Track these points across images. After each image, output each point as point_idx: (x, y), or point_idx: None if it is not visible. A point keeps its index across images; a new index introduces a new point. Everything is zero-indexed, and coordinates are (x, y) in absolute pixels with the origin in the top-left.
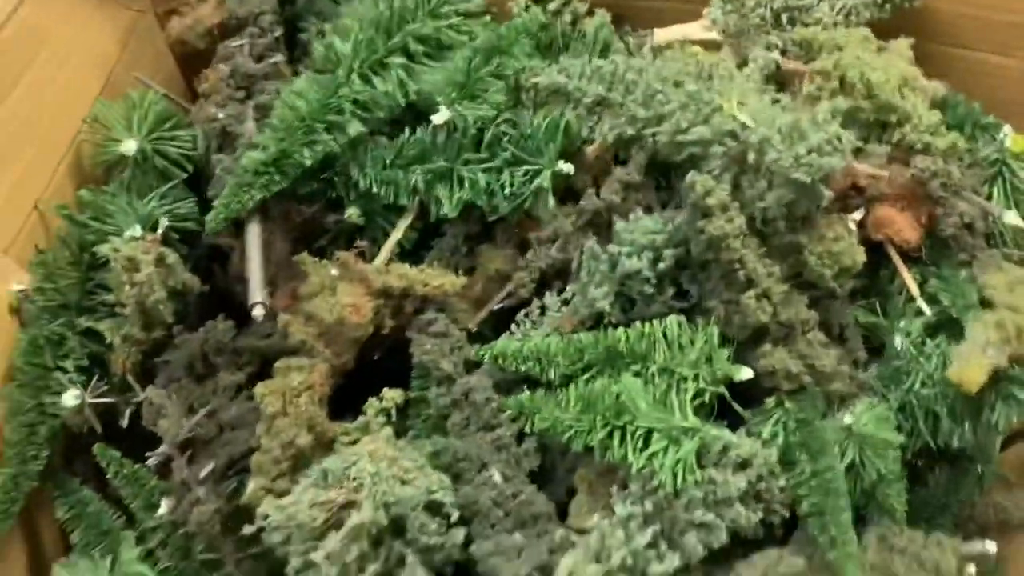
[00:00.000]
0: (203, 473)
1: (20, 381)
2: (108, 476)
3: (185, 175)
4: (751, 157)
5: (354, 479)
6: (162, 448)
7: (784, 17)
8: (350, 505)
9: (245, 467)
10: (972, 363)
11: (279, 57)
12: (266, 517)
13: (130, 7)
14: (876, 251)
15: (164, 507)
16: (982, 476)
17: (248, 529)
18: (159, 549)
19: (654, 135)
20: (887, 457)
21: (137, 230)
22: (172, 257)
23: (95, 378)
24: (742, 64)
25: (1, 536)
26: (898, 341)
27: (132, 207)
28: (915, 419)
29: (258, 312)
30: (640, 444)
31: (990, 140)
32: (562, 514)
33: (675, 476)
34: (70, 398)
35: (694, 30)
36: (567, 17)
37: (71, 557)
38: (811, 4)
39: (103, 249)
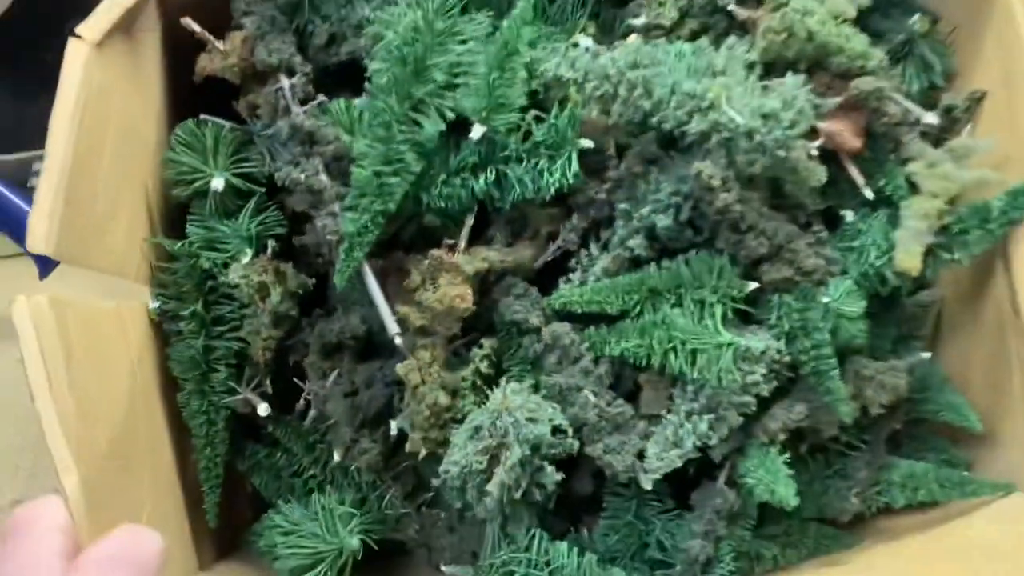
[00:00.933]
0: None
1: (188, 390)
2: (282, 439)
3: (263, 189)
4: (741, 143)
5: (500, 429)
6: (331, 422)
7: None
8: (501, 446)
9: (389, 414)
10: (912, 251)
11: (321, 98)
12: (446, 471)
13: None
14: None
15: (337, 455)
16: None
17: (435, 482)
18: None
19: (659, 122)
20: (856, 321)
21: (249, 254)
22: (288, 269)
23: (246, 370)
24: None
25: (217, 501)
26: (849, 215)
27: (233, 230)
28: (871, 282)
29: (399, 341)
30: (690, 360)
31: (898, 17)
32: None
33: (720, 379)
34: (263, 410)
35: None
36: None
37: (280, 505)
38: None
39: (232, 278)
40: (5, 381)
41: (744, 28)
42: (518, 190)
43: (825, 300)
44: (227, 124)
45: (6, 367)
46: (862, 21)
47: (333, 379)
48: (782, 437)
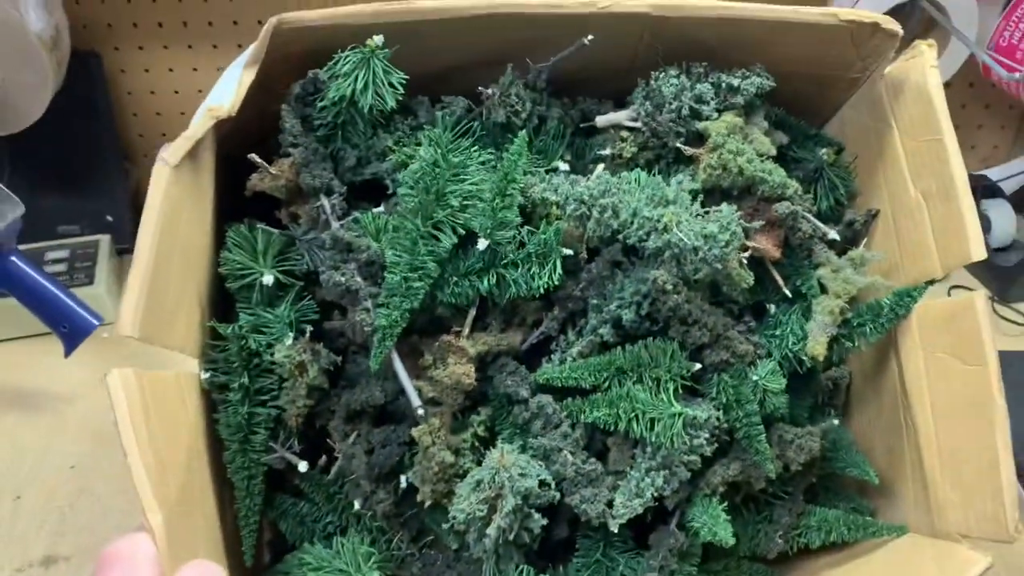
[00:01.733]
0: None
1: (233, 449)
2: (306, 491)
3: (301, 283)
4: (688, 257)
5: (498, 482)
6: (353, 476)
7: (687, 113)
8: (498, 497)
9: (400, 469)
10: (820, 341)
11: (355, 214)
12: (454, 517)
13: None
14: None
15: (357, 504)
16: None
17: (445, 526)
18: (350, 528)
19: (624, 237)
20: (779, 395)
21: (290, 337)
22: (321, 349)
23: (281, 433)
24: (657, 152)
25: (254, 543)
26: (772, 308)
27: (276, 317)
28: (790, 363)
29: (421, 412)
30: (649, 426)
31: (811, 148)
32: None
33: (672, 442)
34: (303, 467)
35: (622, 117)
36: (534, 121)
37: (306, 547)
38: (704, 107)
39: (278, 358)
40: (31, 448)
41: (689, 160)
42: (514, 289)
43: (755, 379)
44: (275, 231)
45: (35, 437)
46: (783, 151)
47: (354, 439)
48: (721, 489)
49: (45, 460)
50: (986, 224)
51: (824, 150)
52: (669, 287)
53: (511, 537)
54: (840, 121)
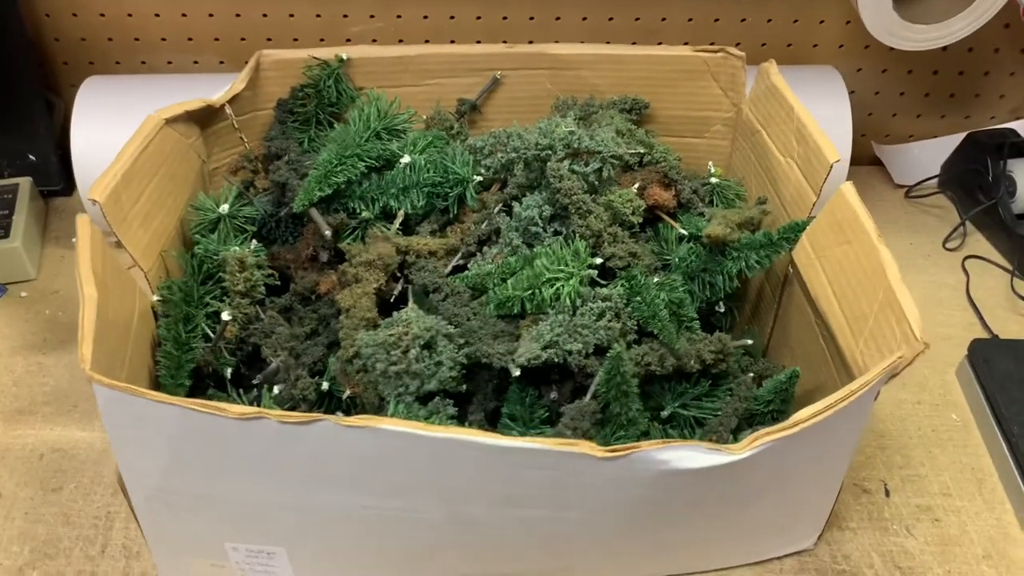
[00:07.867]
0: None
1: (166, 347)
2: None
3: (254, 229)
4: (575, 144)
5: (406, 320)
6: (280, 357)
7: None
8: (406, 332)
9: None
10: (714, 226)
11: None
12: (365, 345)
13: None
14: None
15: (276, 389)
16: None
17: (351, 349)
18: None
19: (525, 152)
20: (678, 291)
21: (237, 250)
22: (264, 260)
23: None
24: None
25: None
26: (675, 260)
27: (227, 249)
28: (691, 280)
29: (327, 233)
30: (548, 289)
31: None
32: None
33: (570, 298)
34: (226, 315)
35: None
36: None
37: None
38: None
39: (223, 253)
40: None
41: None
42: (427, 200)
43: (655, 279)
44: (236, 184)
45: None
46: None
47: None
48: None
49: None
50: (1011, 186)
51: (710, 163)
52: (564, 172)
53: (414, 368)
54: (730, 169)
